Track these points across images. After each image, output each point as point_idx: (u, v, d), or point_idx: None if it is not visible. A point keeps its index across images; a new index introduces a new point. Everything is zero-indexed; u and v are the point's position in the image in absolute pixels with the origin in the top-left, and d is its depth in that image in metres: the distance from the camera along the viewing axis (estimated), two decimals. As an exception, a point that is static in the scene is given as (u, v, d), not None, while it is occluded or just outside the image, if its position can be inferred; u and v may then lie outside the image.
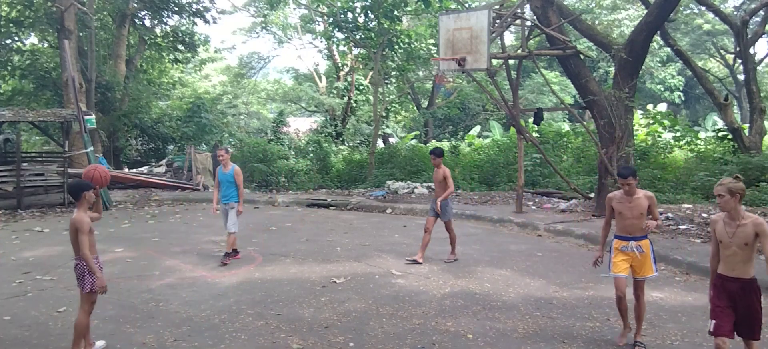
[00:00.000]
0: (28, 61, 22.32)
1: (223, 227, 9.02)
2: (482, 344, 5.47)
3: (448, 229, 8.70)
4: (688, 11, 29.06)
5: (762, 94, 18.32)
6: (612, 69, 15.89)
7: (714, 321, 4.39)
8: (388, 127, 30.76)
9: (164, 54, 26.80)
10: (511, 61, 16.04)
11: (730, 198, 4.34)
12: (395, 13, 19.68)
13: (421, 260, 8.50)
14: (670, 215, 11.55)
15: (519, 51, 13.47)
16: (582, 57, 13.13)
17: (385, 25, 20.00)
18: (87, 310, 5.09)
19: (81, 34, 21.23)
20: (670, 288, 7.33)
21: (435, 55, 16.26)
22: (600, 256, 5.63)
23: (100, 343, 5.42)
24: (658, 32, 15.09)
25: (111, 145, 22.68)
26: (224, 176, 8.75)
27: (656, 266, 5.60)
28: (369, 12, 20.22)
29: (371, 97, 24.99)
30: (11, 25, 21.12)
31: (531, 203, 14.01)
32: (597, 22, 29.48)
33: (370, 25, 20.49)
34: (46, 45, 23.84)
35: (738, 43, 18.23)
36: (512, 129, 19.57)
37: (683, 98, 36.96)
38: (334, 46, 27.43)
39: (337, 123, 27.52)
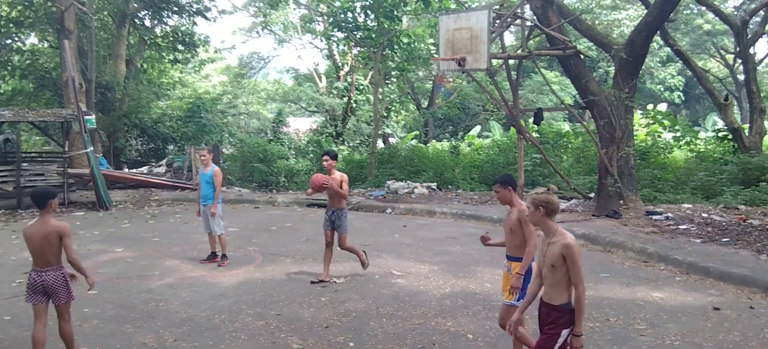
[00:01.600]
0: (28, 61, 22.32)
1: (208, 229, 8.69)
2: (482, 344, 5.47)
3: (342, 244, 7.69)
4: (688, 11, 29.05)
5: (762, 94, 18.32)
6: (612, 69, 15.89)
7: None
8: (388, 127, 30.75)
9: (164, 54, 26.80)
10: (511, 61, 16.04)
11: (535, 211, 3.87)
12: (395, 13, 19.68)
13: (327, 278, 7.51)
14: (670, 215, 11.56)
15: (519, 51, 13.47)
16: (582, 57, 13.13)
17: (385, 25, 20.00)
18: (69, 318, 5.00)
19: (81, 34, 21.23)
20: (670, 288, 7.33)
21: (435, 55, 16.26)
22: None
23: None
24: (658, 32, 15.10)
25: (111, 145, 22.67)
26: (204, 177, 8.64)
27: (518, 296, 4.66)
28: (369, 12, 20.22)
29: (371, 97, 24.98)
30: (11, 25, 21.11)
31: (531, 203, 14.00)
32: (597, 22, 29.47)
33: (370, 25, 20.49)
34: (46, 45, 23.83)
35: (738, 43, 18.24)
36: (512, 129, 19.55)
37: (683, 98, 36.94)
38: (334, 46, 27.44)
39: (337, 123, 27.52)
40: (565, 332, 3.84)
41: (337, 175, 7.50)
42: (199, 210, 8.71)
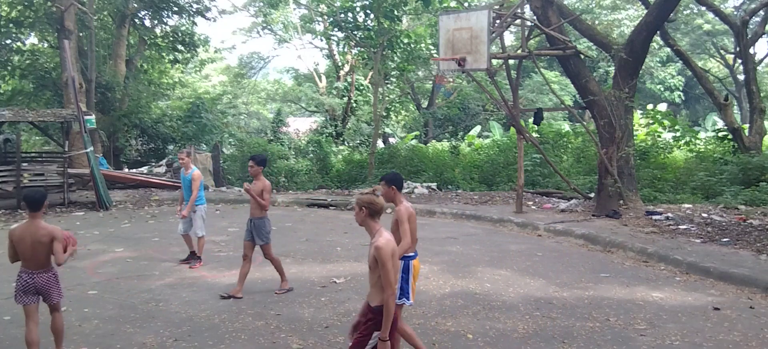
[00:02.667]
0: (28, 61, 22.31)
1: (185, 231, 8.62)
2: (482, 344, 5.47)
3: (268, 255, 7.13)
4: (688, 11, 29.04)
5: (762, 94, 18.34)
6: (612, 69, 15.89)
7: None
8: (388, 127, 30.74)
9: (164, 54, 26.78)
10: (511, 61, 16.05)
11: (359, 212, 3.87)
12: (395, 12, 19.68)
13: (239, 295, 6.83)
14: (670, 215, 11.56)
15: (519, 51, 13.47)
16: (582, 57, 13.13)
17: (385, 25, 20.00)
18: (60, 310, 5.08)
19: (81, 34, 21.22)
20: (670, 288, 7.33)
21: (435, 55, 16.26)
22: None
23: None
24: (658, 32, 15.10)
25: (111, 145, 22.66)
26: (184, 180, 8.61)
27: (399, 295, 4.64)
28: (369, 12, 20.22)
29: (371, 97, 24.99)
30: (11, 25, 21.10)
31: (531, 203, 14.01)
32: (597, 22, 29.47)
33: (370, 25, 20.49)
34: (46, 45, 23.82)
35: (738, 43, 18.25)
36: (512, 129, 19.57)
37: (683, 98, 36.93)
38: (334, 46, 27.44)
39: (337, 123, 27.52)
40: (376, 335, 3.79)
41: (261, 183, 6.96)
42: (185, 212, 8.59)
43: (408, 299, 4.80)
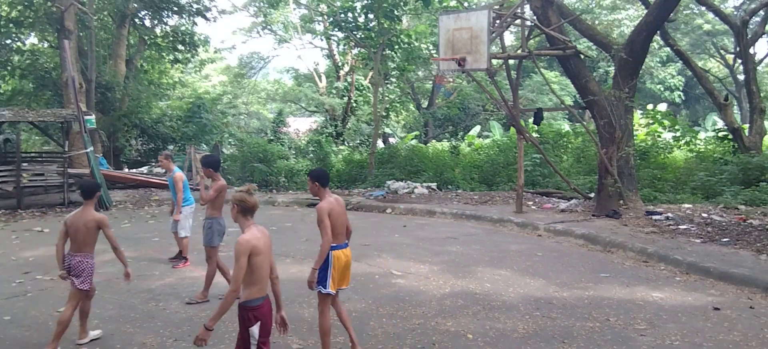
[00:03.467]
0: (28, 61, 22.32)
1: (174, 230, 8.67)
2: (482, 344, 5.47)
3: (207, 258, 6.89)
4: (688, 11, 29.04)
5: (762, 94, 18.34)
6: (612, 69, 15.89)
7: None
8: (388, 127, 30.74)
9: (164, 54, 26.80)
10: (511, 61, 16.05)
11: (232, 208, 3.98)
12: (395, 12, 19.68)
13: (204, 299, 6.77)
14: (670, 215, 11.56)
15: (519, 51, 13.47)
16: (582, 57, 13.13)
17: (385, 25, 20.00)
18: (74, 305, 5.26)
19: (81, 34, 21.22)
20: (670, 288, 7.33)
21: (435, 55, 16.27)
22: None
23: (95, 332, 5.56)
24: (658, 32, 15.10)
25: (111, 145, 22.67)
26: (170, 182, 8.70)
27: (319, 287, 5.02)
28: (369, 12, 20.22)
29: (371, 97, 24.99)
30: (11, 25, 21.11)
31: (531, 203, 14.01)
32: (597, 22, 29.48)
33: (370, 25, 20.49)
34: (46, 45, 23.83)
35: (738, 43, 18.25)
36: (512, 129, 19.58)
37: (683, 98, 36.95)
38: (334, 46, 27.44)
39: (337, 123, 27.52)
40: (254, 329, 3.89)
41: (218, 183, 6.88)
42: (172, 210, 8.74)
43: (324, 287, 4.97)
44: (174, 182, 8.48)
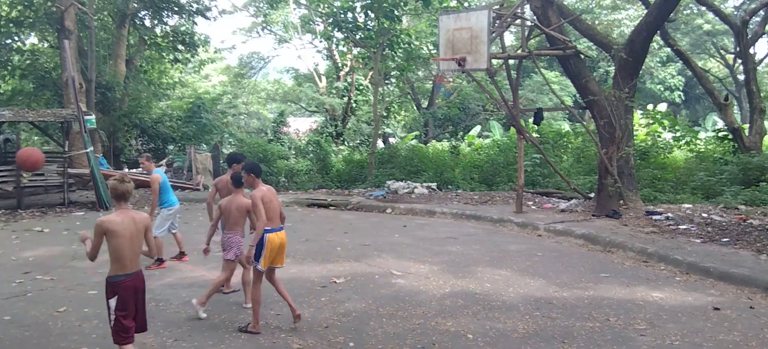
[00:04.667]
0: (28, 61, 22.31)
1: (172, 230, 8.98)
2: (482, 344, 5.47)
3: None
4: (688, 11, 29.06)
5: (762, 94, 18.33)
6: (612, 69, 15.89)
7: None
8: (388, 127, 30.75)
9: (164, 54, 26.81)
10: (511, 61, 16.05)
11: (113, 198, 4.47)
12: (395, 12, 19.68)
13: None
14: (670, 215, 11.56)
15: (519, 51, 13.47)
16: (582, 57, 13.13)
17: (385, 25, 20.00)
18: (227, 273, 6.43)
19: (81, 34, 21.22)
20: (670, 288, 7.33)
21: (435, 55, 16.27)
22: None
23: (203, 314, 6.10)
24: (658, 32, 15.10)
25: (111, 145, 22.68)
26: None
27: (255, 264, 5.76)
28: (369, 12, 20.22)
29: (371, 97, 24.99)
30: (11, 25, 21.12)
31: (531, 203, 14.01)
32: (597, 22, 29.48)
33: (370, 25, 20.50)
34: (46, 45, 23.83)
35: (738, 43, 18.25)
36: (512, 129, 19.58)
37: (683, 98, 36.95)
38: (334, 46, 27.44)
39: (337, 123, 27.52)
40: (111, 302, 4.36)
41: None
42: (159, 212, 8.86)
43: (257, 263, 5.64)
44: (151, 184, 8.64)
